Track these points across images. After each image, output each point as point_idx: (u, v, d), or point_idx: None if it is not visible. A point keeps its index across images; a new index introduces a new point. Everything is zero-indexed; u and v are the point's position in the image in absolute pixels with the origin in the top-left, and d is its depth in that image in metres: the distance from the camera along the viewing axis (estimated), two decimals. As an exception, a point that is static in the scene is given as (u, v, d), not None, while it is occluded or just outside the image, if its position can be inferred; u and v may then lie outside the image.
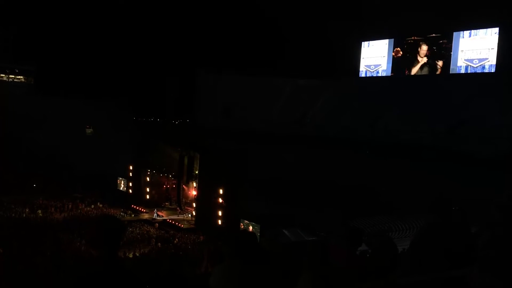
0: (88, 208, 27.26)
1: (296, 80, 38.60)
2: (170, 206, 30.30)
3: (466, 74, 31.28)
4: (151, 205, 29.54)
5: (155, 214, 27.54)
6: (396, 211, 20.10)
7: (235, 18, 40.87)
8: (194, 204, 27.55)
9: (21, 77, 47.77)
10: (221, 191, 24.13)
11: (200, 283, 4.94)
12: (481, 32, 30.76)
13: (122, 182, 32.59)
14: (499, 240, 3.48)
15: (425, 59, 33.81)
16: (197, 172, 27.93)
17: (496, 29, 30.03)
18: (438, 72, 33.02)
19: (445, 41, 32.63)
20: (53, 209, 26.01)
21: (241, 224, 21.89)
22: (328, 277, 3.73)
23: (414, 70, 34.45)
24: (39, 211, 25.00)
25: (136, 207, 29.35)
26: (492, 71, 30.06)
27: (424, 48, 33.85)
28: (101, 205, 28.35)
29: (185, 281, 4.17)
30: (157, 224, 25.85)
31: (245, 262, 3.49)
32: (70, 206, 27.11)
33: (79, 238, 19.24)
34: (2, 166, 30.72)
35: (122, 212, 27.97)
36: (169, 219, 27.07)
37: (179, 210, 28.94)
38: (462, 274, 3.24)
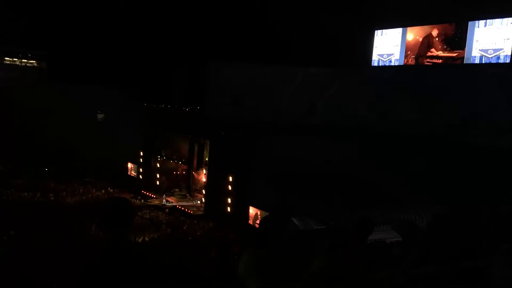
0: (99, 193, 27.49)
1: (307, 69, 38.38)
2: (180, 193, 30.48)
3: (480, 64, 30.89)
4: (161, 191, 29.74)
5: (164, 200, 27.73)
6: (406, 203, 20.00)
7: (245, 6, 40.60)
8: (203, 191, 27.68)
9: (34, 61, 48.06)
10: (230, 179, 24.20)
11: (208, 269, 4.98)
12: (497, 21, 30.29)
13: (133, 167, 32.83)
14: (508, 233, 3.44)
15: (439, 49, 33.42)
16: (207, 159, 28.01)
17: (512, 19, 29.55)
18: (451, 62, 32.66)
19: (459, 30, 32.21)
20: (64, 193, 26.25)
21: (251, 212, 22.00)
22: (338, 266, 3.73)
23: (428, 60, 34.09)
24: (51, 195, 25.25)
25: (146, 192, 29.57)
26: (507, 61, 29.65)
27: (437, 37, 33.44)
28: (111, 190, 28.56)
29: (195, 266, 4.21)
30: (167, 209, 26.04)
31: (270, 249, 3.52)
32: (81, 190, 27.37)
33: (90, 222, 19.43)
34: (14, 151, 31.09)
35: (132, 197, 28.19)
36: (179, 205, 27.26)
37: (189, 197, 29.11)
38: (481, 265, 3.22)
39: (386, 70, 36.30)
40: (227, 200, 24.15)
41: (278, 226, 3.67)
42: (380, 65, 37.23)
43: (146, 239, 18.94)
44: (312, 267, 3.84)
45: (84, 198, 26.03)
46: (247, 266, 3.52)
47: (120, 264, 3.04)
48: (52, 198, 24.82)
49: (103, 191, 28.10)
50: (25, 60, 47.72)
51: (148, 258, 3.22)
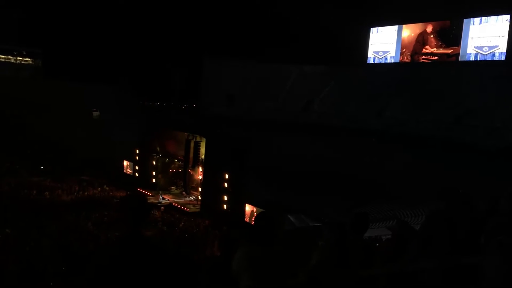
0: (94, 191, 27.40)
1: (303, 67, 38.39)
2: (176, 190, 30.45)
3: (475, 61, 30.99)
4: (157, 189, 29.69)
5: (160, 198, 27.69)
6: (401, 200, 20.10)
7: (241, 4, 40.59)
8: (199, 189, 27.66)
9: (29, 59, 47.84)
10: (226, 176, 24.19)
11: (206, 266, 4.99)
12: (492, 19, 30.40)
13: (129, 165, 32.76)
14: (507, 228, 3.46)
15: (434, 46, 33.48)
16: (203, 156, 27.97)
17: (507, 16, 29.66)
18: (446, 58, 32.74)
19: (455, 27, 32.28)
20: (60, 191, 26.16)
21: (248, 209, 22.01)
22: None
23: (423, 57, 34.15)
24: (46, 193, 25.16)
25: (142, 190, 29.49)
26: (502, 58, 29.77)
27: (432, 34, 33.50)
28: (107, 188, 28.46)
29: (192, 263, 4.22)
30: (163, 207, 25.99)
31: (265, 245, 3.55)
32: (76, 188, 27.27)
33: (86, 220, 19.39)
34: (9, 149, 30.98)
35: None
36: (175, 203, 27.22)
37: (185, 194, 29.07)
38: (473, 261, 3.24)
39: (382, 67, 36.35)
40: (223, 198, 24.15)
41: (272, 223, 3.69)
42: (375, 62, 37.27)
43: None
44: (310, 263, 3.86)
45: (79, 195, 25.93)
46: (241, 262, 3.54)
47: (138, 257, 3.27)
48: (47, 196, 24.72)
49: (99, 189, 28.00)
50: (20, 58, 47.48)
51: (164, 252, 3.44)
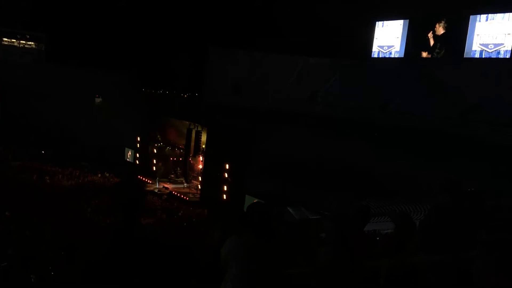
0: (95, 177, 27.42)
1: (308, 58, 38.24)
2: (175, 179, 30.47)
3: (480, 58, 30.81)
4: (157, 176, 29.72)
5: (157, 185, 27.76)
6: (403, 195, 20.10)
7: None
8: (200, 178, 27.67)
9: (32, 43, 47.71)
10: (227, 166, 24.17)
11: (206, 255, 4.98)
12: (498, 16, 30.16)
13: (130, 152, 32.78)
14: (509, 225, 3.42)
15: (439, 42, 33.29)
16: (204, 146, 27.96)
17: (514, 14, 29.43)
18: (452, 56, 32.56)
19: (461, 24, 32.04)
20: (60, 176, 26.17)
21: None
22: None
23: (428, 53, 33.97)
24: (47, 178, 25.17)
25: (143, 178, 29.53)
26: (507, 57, 29.60)
27: (438, 30, 33.29)
28: (108, 175, 28.48)
29: (192, 252, 4.20)
30: (165, 196, 26.03)
31: (257, 237, 3.55)
32: (77, 174, 27.27)
33: (86, 205, 19.42)
34: (11, 134, 30.99)
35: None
36: (175, 191, 27.25)
37: (185, 183, 29.09)
38: (469, 256, 3.21)
39: (387, 62, 36.20)
40: (223, 188, 24.15)
41: (266, 215, 3.69)
42: (380, 56, 37.10)
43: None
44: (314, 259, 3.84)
45: (80, 181, 25.95)
46: (230, 249, 3.57)
47: (134, 246, 3.11)
48: (48, 180, 24.74)
49: (99, 175, 28.03)
50: (24, 42, 47.34)
51: (160, 241, 3.30)
